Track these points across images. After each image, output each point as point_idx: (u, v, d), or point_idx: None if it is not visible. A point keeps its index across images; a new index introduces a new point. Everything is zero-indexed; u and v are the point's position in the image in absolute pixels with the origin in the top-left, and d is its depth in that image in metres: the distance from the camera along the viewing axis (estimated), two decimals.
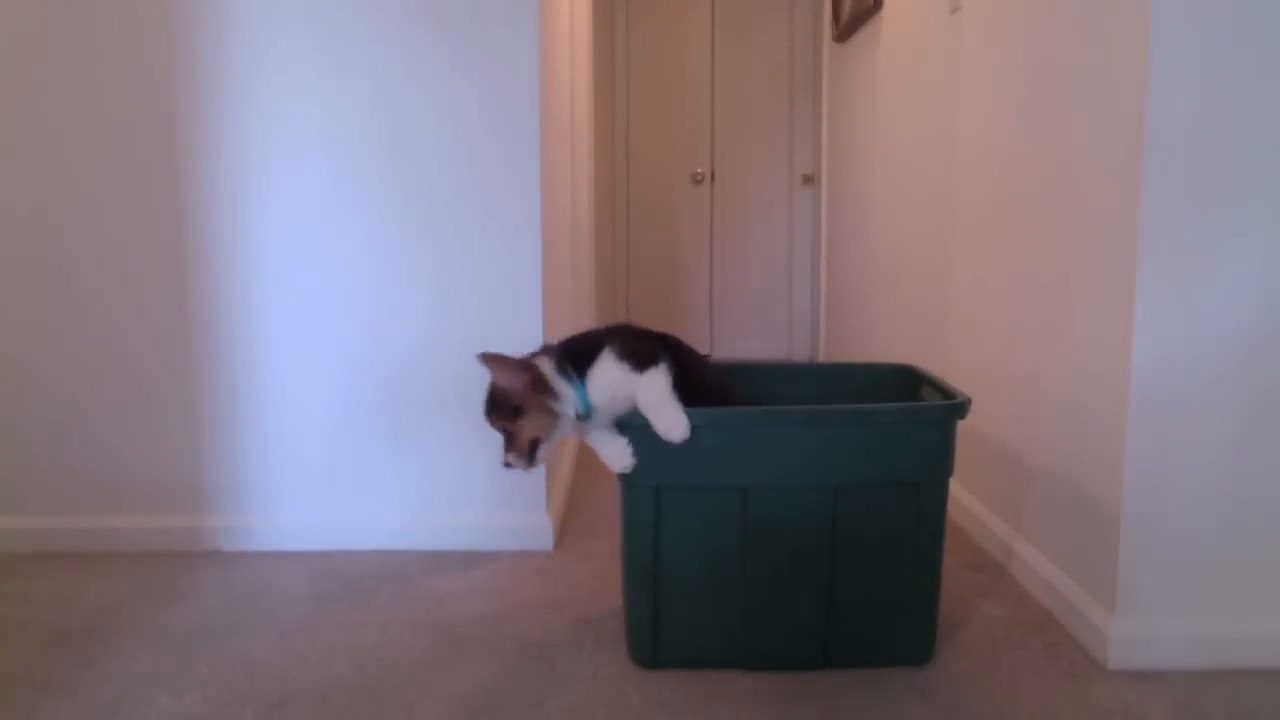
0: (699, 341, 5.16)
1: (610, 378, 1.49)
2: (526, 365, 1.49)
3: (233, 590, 1.93)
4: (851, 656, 1.57)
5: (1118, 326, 1.56)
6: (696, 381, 1.53)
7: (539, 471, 2.15)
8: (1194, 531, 1.56)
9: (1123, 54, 1.55)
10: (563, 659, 1.62)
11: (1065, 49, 1.79)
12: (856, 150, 3.68)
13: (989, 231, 2.18)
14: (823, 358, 4.47)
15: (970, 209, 2.31)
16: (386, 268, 2.11)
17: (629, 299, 5.25)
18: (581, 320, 3.42)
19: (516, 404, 1.48)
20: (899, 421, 1.49)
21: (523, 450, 1.49)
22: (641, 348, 1.51)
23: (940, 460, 1.52)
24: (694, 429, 1.45)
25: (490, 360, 1.48)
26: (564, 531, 2.29)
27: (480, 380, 1.51)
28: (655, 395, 1.46)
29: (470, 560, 2.09)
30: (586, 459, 2.81)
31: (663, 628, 1.56)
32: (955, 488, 2.34)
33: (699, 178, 5.14)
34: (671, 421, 1.44)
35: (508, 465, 1.51)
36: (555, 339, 1.59)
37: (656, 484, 1.51)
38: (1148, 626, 1.57)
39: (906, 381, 1.82)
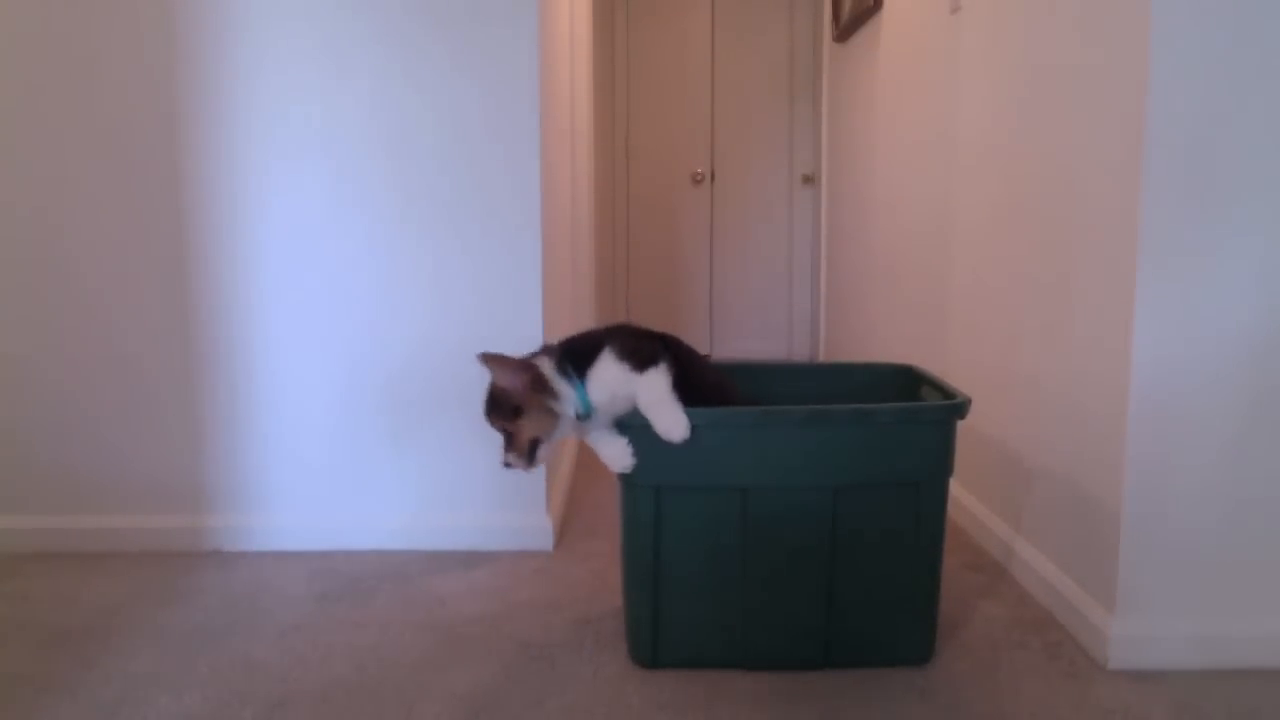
0: (699, 341, 5.16)
1: (610, 377, 1.49)
2: (526, 365, 1.49)
3: (233, 590, 1.93)
4: (851, 656, 1.57)
5: (1118, 326, 1.56)
6: (696, 381, 1.53)
7: (539, 471, 2.15)
8: (1194, 531, 1.56)
9: (1123, 54, 1.55)
10: (563, 659, 1.62)
11: (1065, 49, 1.79)
12: (856, 150, 3.68)
13: (989, 231, 2.18)
14: (823, 358, 4.47)
15: (970, 209, 2.31)
16: (386, 268, 2.11)
17: (629, 299, 5.25)
18: (581, 320, 3.42)
19: (516, 404, 1.48)
20: (899, 421, 1.49)
21: (523, 450, 1.50)
22: (641, 347, 1.51)
23: (940, 460, 1.52)
24: (694, 429, 1.45)
25: (490, 360, 1.48)
26: (564, 531, 2.29)
27: (480, 380, 1.51)
28: (655, 395, 1.46)
29: (470, 560, 2.09)
30: (586, 459, 2.81)
31: (663, 628, 1.56)
32: (955, 488, 2.34)
33: (699, 178, 5.14)
34: (671, 421, 1.44)
35: (508, 465, 1.51)
36: (555, 339, 1.59)
37: (656, 484, 1.51)
38: (1148, 626, 1.57)
39: (906, 381, 1.82)
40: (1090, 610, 1.65)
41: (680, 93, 5.13)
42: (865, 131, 3.51)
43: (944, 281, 2.50)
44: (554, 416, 1.48)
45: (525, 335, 2.05)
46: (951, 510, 2.21)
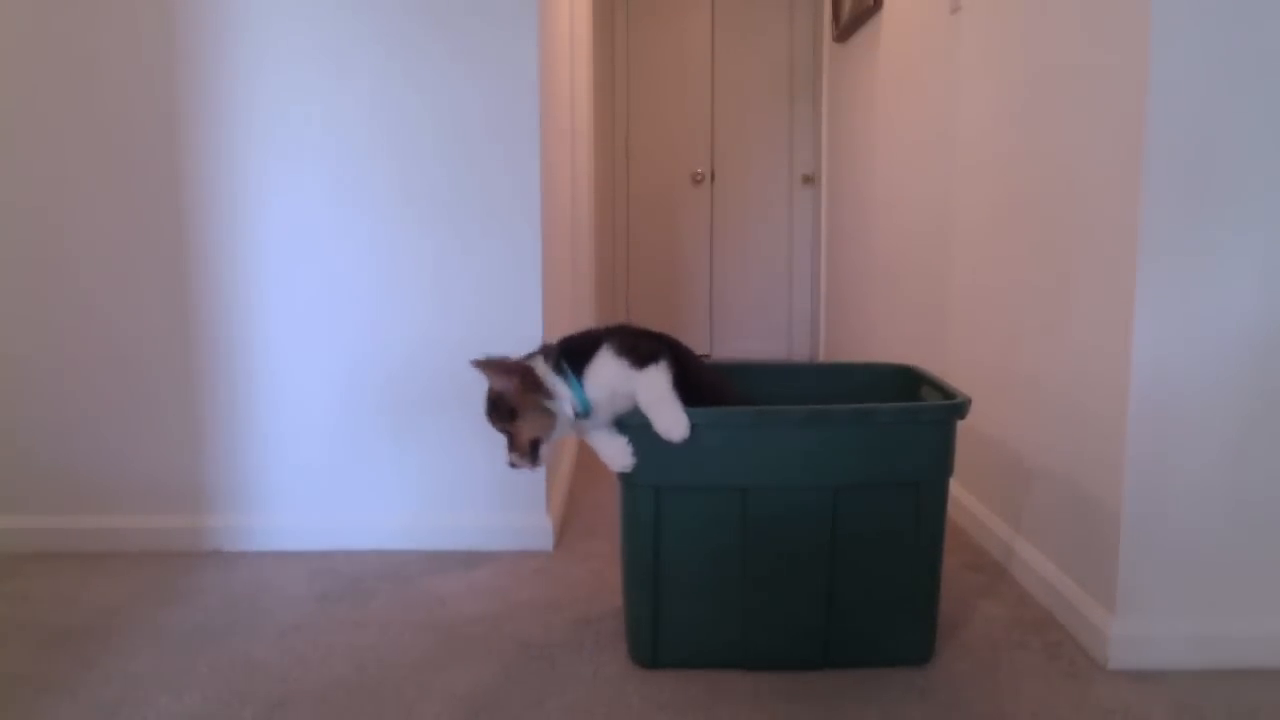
0: (699, 341, 5.16)
1: (609, 374, 1.49)
2: (518, 367, 1.49)
3: (233, 590, 1.93)
4: (851, 656, 1.57)
5: (1118, 327, 1.56)
6: (695, 381, 1.53)
7: (539, 471, 2.14)
8: (1194, 531, 1.56)
9: (1123, 54, 1.55)
10: (563, 659, 1.62)
11: (1065, 49, 1.79)
12: (856, 150, 3.68)
13: (989, 231, 2.18)
14: (823, 358, 4.47)
15: (970, 209, 2.31)
16: (386, 267, 2.11)
17: (629, 299, 5.25)
18: (581, 320, 3.42)
19: (512, 406, 1.48)
20: (899, 421, 1.49)
21: (524, 450, 1.50)
22: (640, 345, 1.52)
23: (940, 460, 1.52)
24: (694, 428, 1.45)
25: (483, 365, 1.48)
26: (564, 531, 2.29)
27: (480, 380, 1.51)
28: (655, 393, 1.46)
29: (470, 560, 2.09)
30: (586, 459, 2.81)
31: (663, 628, 1.56)
32: (955, 488, 2.34)
33: (699, 178, 5.14)
34: (672, 420, 1.44)
35: (513, 465, 1.52)
36: (555, 339, 1.59)
37: (656, 484, 1.51)
38: (1148, 626, 1.57)
39: (906, 381, 1.82)
40: (1090, 610, 1.65)
41: (680, 93, 5.12)
42: (865, 131, 3.51)
43: (944, 281, 2.50)
44: (550, 416, 1.49)
45: (525, 335, 2.05)
46: (951, 510, 2.21)
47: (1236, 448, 1.54)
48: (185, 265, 2.11)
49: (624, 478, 1.53)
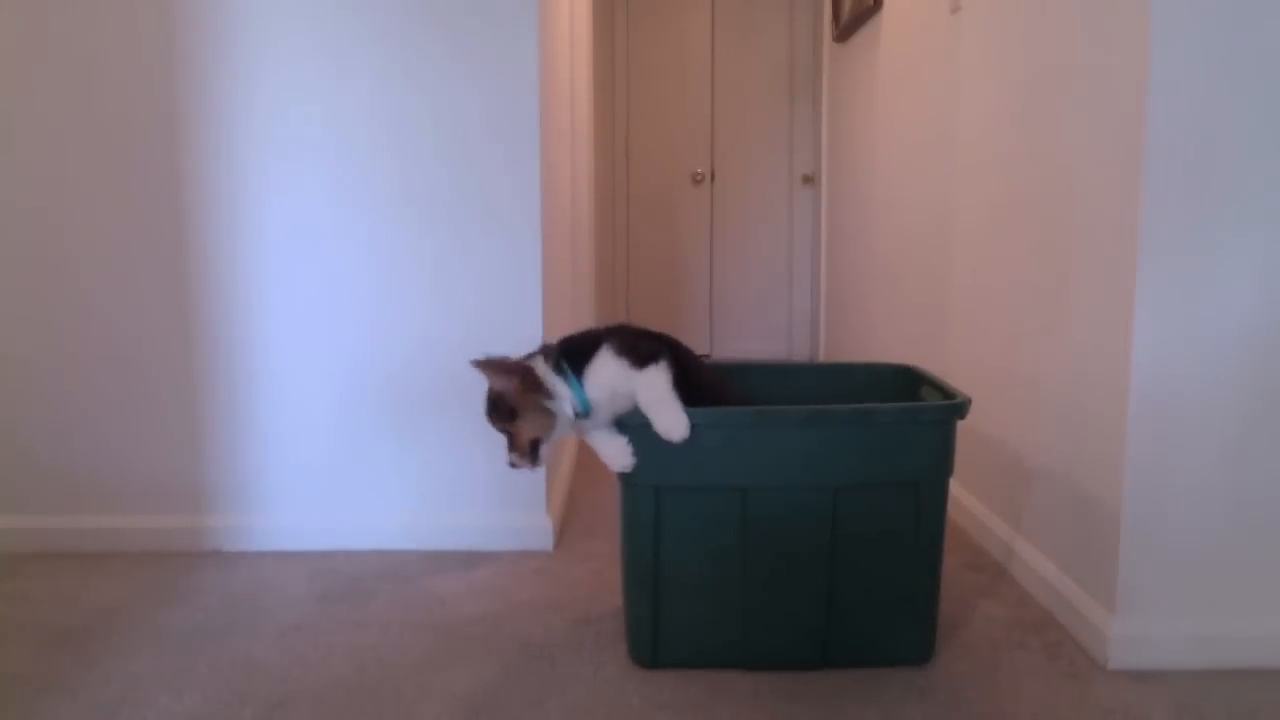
0: (699, 341, 5.16)
1: (608, 373, 1.49)
2: (517, 367, 1.50)
3: (233, 590, 1.93)
4: (851, 656, 1.57)
5: (1118, 326, 1.56)
6: (695, 381, 1.53)
7: (539, 471, 2.14)
8: (1194, 531, 1.56)
9: (1123, 54, 1.55)
10: (563, 659, 1.62)
11: (1065, 49, 1.79)
12: (856, 150, 3.68)
13: (989, 231, 2.18)
14: (823, 358, 4.47)
15: (970, 209, 2.31)
16: (386, 267, 2.11)
17: (629, 299, 5.25)
18: (581, 320, 3.42)
19: (511, 406, 1.48)
20: (899, 421, 1.49)
21: (524, 450, 1.50)
22: (640, 345, 1.52)
23: (940, 460, 1.52)
24: (694, 428, 1.45)
25: (483, 365, 1.48)
26: (564, 531, 2.29)
27: (480, 381, 1.51)
28: (655, 393, 1.46)
29: (470, 560, 2.09)
30: (586, 459, 2.81)
31: (663, 628, 1.56)
32: (955, 488, 2.34)
33: (699, 178, 5.14)
34: (672, 420, 1.44)
35: (513, 466, 1.52)
36: (555, 339, 1.59)
37: (656, 484, 1.51)
38: (1148, 626, 1.57)
39: (906, 381, 1.82)
40: (1090, 610, 1.65)
41: (680, 93, 5.12)
42: (865, 131, 3.51)
43: (944, 281, 2.50)
44: (550, 416, 1.49)
45: (525, 335, 2.05)
46: (951, 510, 2.21)
47: (1236, 448, 1.54)
48: (185, 265, 2.11)
49: (624, 478, 1.53)
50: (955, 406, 1.51)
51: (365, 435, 2.15)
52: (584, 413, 1.50)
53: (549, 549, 2.16)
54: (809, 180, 5.02)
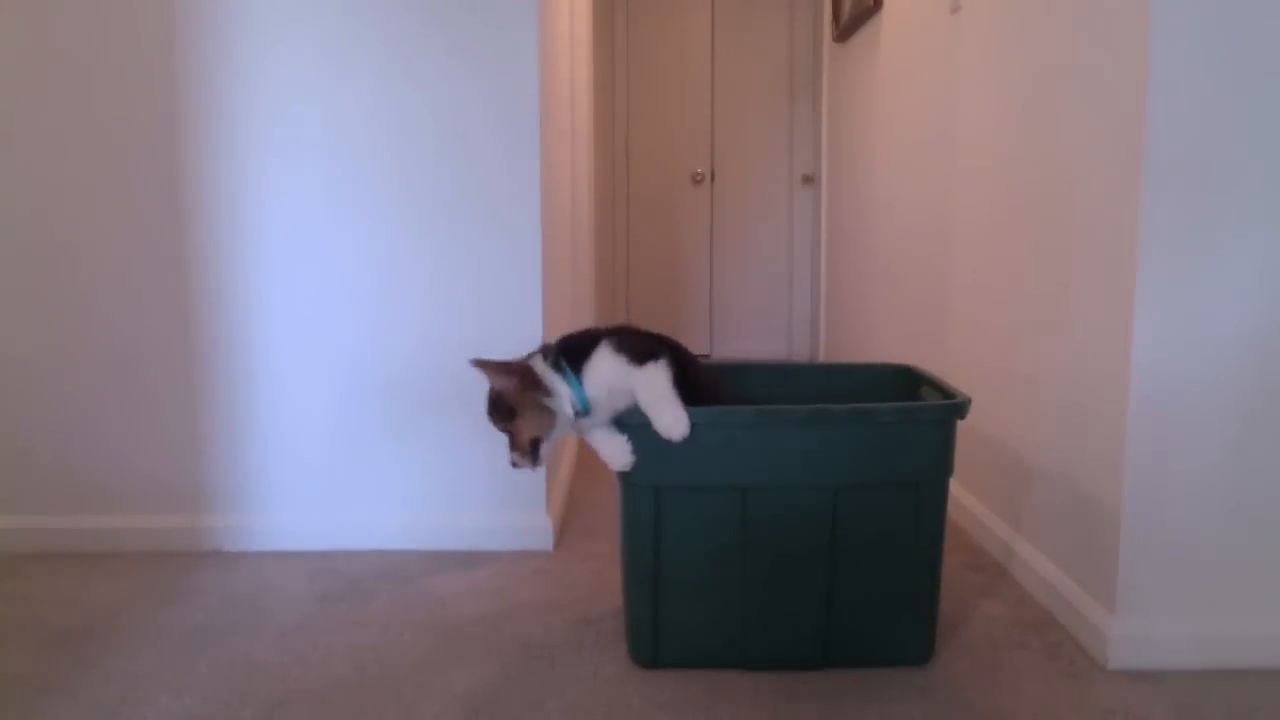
0: (699, 341, 5.16)
1: (607, 369, 1.49)
2: (516, 367, 1.50)
3: (233, 590, 1.93)
4: (851, 656, 1.57)
5: (1118, 326, 1.56)
6: (693, 382, 1.52)
7: (539, 471, 2.14)
8: (1194, 531, 1.56)
9: (1123, 54, 1.55)
10: (563, 659, 1.62)
11: (1065, 49, 1.79)
12: (856, 150, 3.68)
13: (989, 231, 2.18)
14: (823, 358, 4.47)
15: (970, 209, 2.31)
16: (386, 267, 2.11)
17: (629, 299, 5.25)
18: (581, 320, 3.42)
19: (511, 405, 1.48)
20: (899, 421, 1.49)
21: (524, 450, 1.50)
22: (640, 343, 1.52)
23: (940, 460, 1.52)
24: (694, 428, 1.45)
25: (482, 365, 1.49)
26: (564, 531, 2.29)
27: (480, 381, 1.51)
28: (655, 391, 1.46)
29: (470, 560, 2.09)
30: (586, 459, 2.81)
31: (663, 628, 1.56)
32: (955, 488, 2.34)
33: (699, 178, 5.14)
34: (672, 419, 1.44)
35: (514, 465, 1.52)
36: (555, 339, 1.59)
37: (656, 484, 1.51)
38: (1148, 626, 1.57)
39: (906, 381, 1.82)
40: (1090, 610, 1.65)
41: (680, 93, 5.12)
42: (865, 131, 3.51)
43: (944, 281, 2.50)
44: (549, 414, 1.49)
45: (525, 335, 2.05)
46: (951, 510, 2.21)
47: (1236, 448, 1.54)
48: (185, 265, 2.11)
49: (624, 477, 1.53)
50: (955, 406, 1.51)
51: (365, 435, 2.15)
52: (583, 410, 1.50)
53: (549, 549, 2.16)
54: (809, 180, 5.02)
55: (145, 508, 2.16)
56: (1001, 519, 2.11)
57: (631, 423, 1.49)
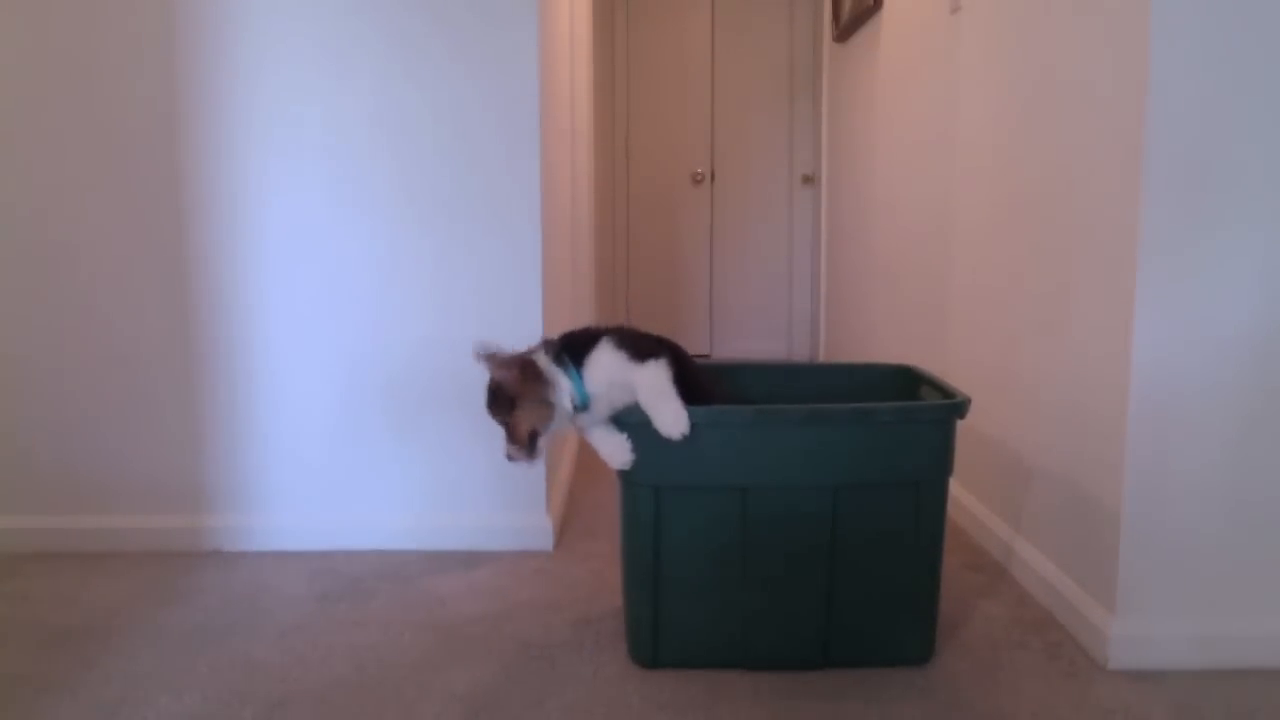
0: (699, 341, 5.16)
1: (608, 365, 1.49)
2: (517, 358, 1.50)
3: (233, 590, 1.93)
4: (851, 656, 1.57)
5: (1118, 327, 1.56)
6: (692, 384, 1.52)
7: (539, 472, 2.15)
8: (1194, 531, 1.56)
9: (1123, 54, 1.55)
10: (563, 659, 1.62)
11: (1065, 49, 1.79)
12: (856, 150, 3.68)
13: (989, 231, 2.18)
14: (823, 358, 4.47)
15: (970, 209, 2.31)
16: (387, 267, 2.11)
17: (629, 299, 5.25)
18: (581, 320, 3.42)
19: (511, 396, 1.48)
20: (899, 421, 1.49)
21: (522, 442, 1.50)
22: (641, 341, 1.52)
23: (940, 460, 1.52)
24: (694, 428, 1.45)
25: (485, 358, 1.49)
26: (564, 531, 2.29)
27: (480, 380, 1.51)
28: (655, 389, 1.46)
29: (470, 560, 2.09)
30: (586, 459, 2.81)
31: (663, 628, 1.56)
32: (955, 488, 2.34)
33: (699, 178, 5.14)
34: (672, 417, 1.44)
35: (510, 458, 1.51)
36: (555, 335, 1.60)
37: (656, 484, 1.51)
38: (1148, 626, 1.57)
39: (906, 381, 1.82)
40: (1090, 610, 1.65)
41: (680, 93, 5.12)
42: (865, 131, 3.51)
43: (944, 281, 2.50)
44: (549, 407, 1.49)
45: (525, 335, 2.04)
46: (951, 510, 2.21)
47: (1236, 448, 1.54)
48: (185, 265, 2.11)
49: (624, 477, 1.53)
50: (955, 406, 1.51)
51: (365, 435, 2.15)
52: (582, 405, 1.50)
53: (549, 549, 2.16)
54: (809, 180, 5.02)
55: (145, 508, 2.16)
56: (1001, 519, 2.11)
57: (631, 421, 1.49)
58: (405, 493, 2.16)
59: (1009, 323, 2.06)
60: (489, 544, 2.15)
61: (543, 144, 2.12)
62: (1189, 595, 1.57)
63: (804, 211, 5.07)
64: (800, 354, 5.12)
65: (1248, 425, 1.53)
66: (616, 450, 1.50)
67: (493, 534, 2.15)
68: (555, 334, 1.61)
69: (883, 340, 3.21)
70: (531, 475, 2.14)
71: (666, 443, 1.46)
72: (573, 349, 1.52)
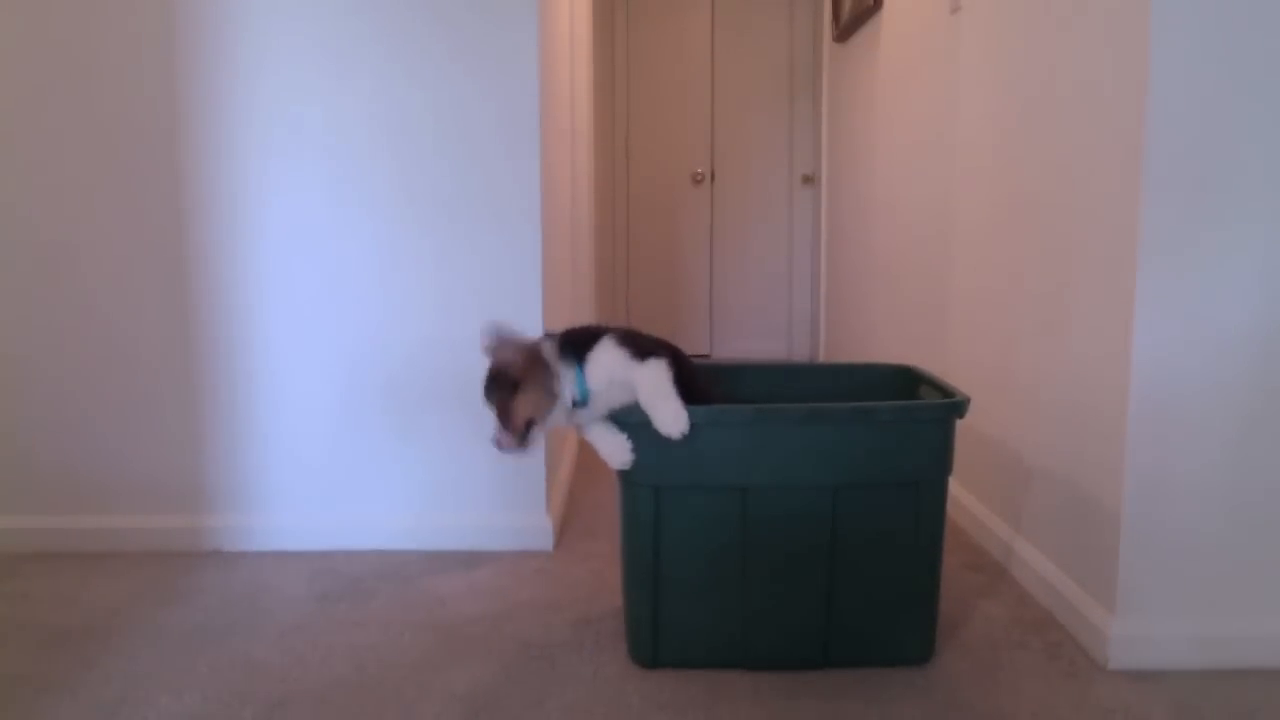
0: (699, 341, 5.16)
1: (610, 361, 1.49)
2: (524, 344, 1.51)
3: (233, 590, 1.93)
4: (851, 656, 1.57)
5: (1118, 327, 1.56)
6: (691, 386, 1.52)
7: (539, 472, 2.15)
8: (1194, 531, 1.56)
9: (1123, 54, 1.55)
10: (563, 659, 1.62)
11: (1065, 49, 1.79)
12: (856, 150, 3.68)
13: (989, 232, 2.18)
14: (823, 358, 4.47)
15: (970, 209, 2.31)
16: (387, 267, 2.11)
17: (629, 299, 5.25)
18: (581, 320, 3.42)
19: (515, 378, 1.48)
20: (898, 420, 1.49)
21: (518, 429, 1.48)
22: (642, 340, 1.53)
23: (940, 459, 1.52)
24: (693, 427, 1.45)
25: (491, 344, 1.49)
26: (564, 531, 2.29)
27: (480, 379, 1.51)
28: (656, 387, 1.45)
29: (470, 560, 2.09)
30: (586, 459, 2.81)
31: (663, 628, 1.56)
32: (955, 488, 2.34)
33: (699, 178, 5.14)
34: (672, 416, 1.44)
35: (498, 445, 1.49)
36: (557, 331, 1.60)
37: (656, 484, 1.51)
38: (1148, 626, 1.57)
39: (906, 381, 1.82)
40: (1090, 610, 1.65)
41: (680, 93, 5.12)
42: (865, 131, 3.51)
43: (944, 282, 2.50)
44: (551, 397, 1.48)
45: (525, 333, 2.05)
46: (951, 510, 2.21)
47: (1236, 448, 1.54)
48: (185, 265, 2.11)
49: (623, 477, 1.53)
50: (954, 405, 1.51)
51: (366, 435, 2.15)
52: (582, 401, 1.50)
53: (549, 549, 2.16)
54: (809, 180, 5.02)
55: (145, 508, 2.16)
56: (1001, 519, 2.11)
57: (631, 421, 1.49)
58: (405, 493, 2.17)
59: (1009, 323, 2.06)
60: (489, 544, 2.15)
61: (543, 144, 2.12)
62: (1189, 595, 1.57)
63: (804, 211, 5.07)
64: (800, 354, 5.12)
65: (1248, 425, 1.53)
66: (616, 450, 1.50)
67: (493, 534, 2.15)
68: (556, 330, 1.61)
69: (883, 340, 3.21)
70: (531, 475, 2.14)
71: (666, 442, 1.46)
72: (574, 345, 1.52)
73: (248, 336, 2.12)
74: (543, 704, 1.47)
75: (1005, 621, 1.77)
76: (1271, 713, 1.45)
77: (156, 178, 2.08)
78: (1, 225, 2.10)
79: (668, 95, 5.13)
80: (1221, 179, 1.48)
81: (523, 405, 1.48)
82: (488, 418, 1.51)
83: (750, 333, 5.18)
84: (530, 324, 2.10)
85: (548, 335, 1.56)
